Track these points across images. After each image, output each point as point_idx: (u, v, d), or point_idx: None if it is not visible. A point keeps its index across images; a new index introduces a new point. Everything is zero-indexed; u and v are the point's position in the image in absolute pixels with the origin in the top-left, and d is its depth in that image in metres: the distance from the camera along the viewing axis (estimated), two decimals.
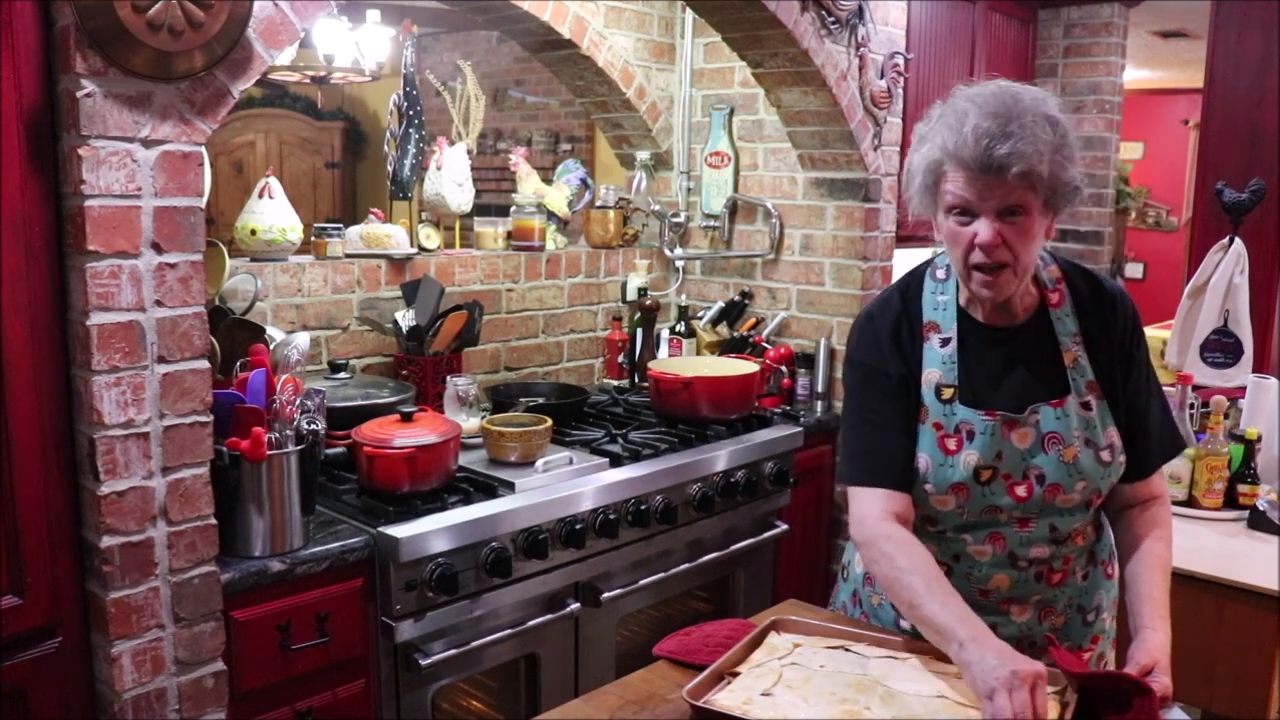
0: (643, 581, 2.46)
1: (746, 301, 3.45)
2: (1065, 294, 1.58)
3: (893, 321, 1.60)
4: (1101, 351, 1.56)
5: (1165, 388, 2.59)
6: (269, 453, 1.87)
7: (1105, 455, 1.54)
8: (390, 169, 2.92)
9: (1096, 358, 1.56)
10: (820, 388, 3.20)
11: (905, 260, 3.08)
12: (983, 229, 1.43)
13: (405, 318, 2.68)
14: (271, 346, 2.04)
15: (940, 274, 1.60)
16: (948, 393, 1.55)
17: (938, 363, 1.56)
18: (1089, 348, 1.56)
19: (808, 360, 3.23)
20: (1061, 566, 1.58)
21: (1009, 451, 1.52)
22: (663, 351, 3.35)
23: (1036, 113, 1.41)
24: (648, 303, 3.26)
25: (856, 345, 1.64)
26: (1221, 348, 3.04)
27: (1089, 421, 1.53)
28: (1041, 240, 1.48)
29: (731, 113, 3.45)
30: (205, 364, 1.75)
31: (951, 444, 1.53)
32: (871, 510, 1.52)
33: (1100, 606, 1.65)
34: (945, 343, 1.57)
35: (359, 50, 4.76)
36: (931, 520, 1.58)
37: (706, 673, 1.41)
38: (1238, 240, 3.02)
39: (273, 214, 2.53)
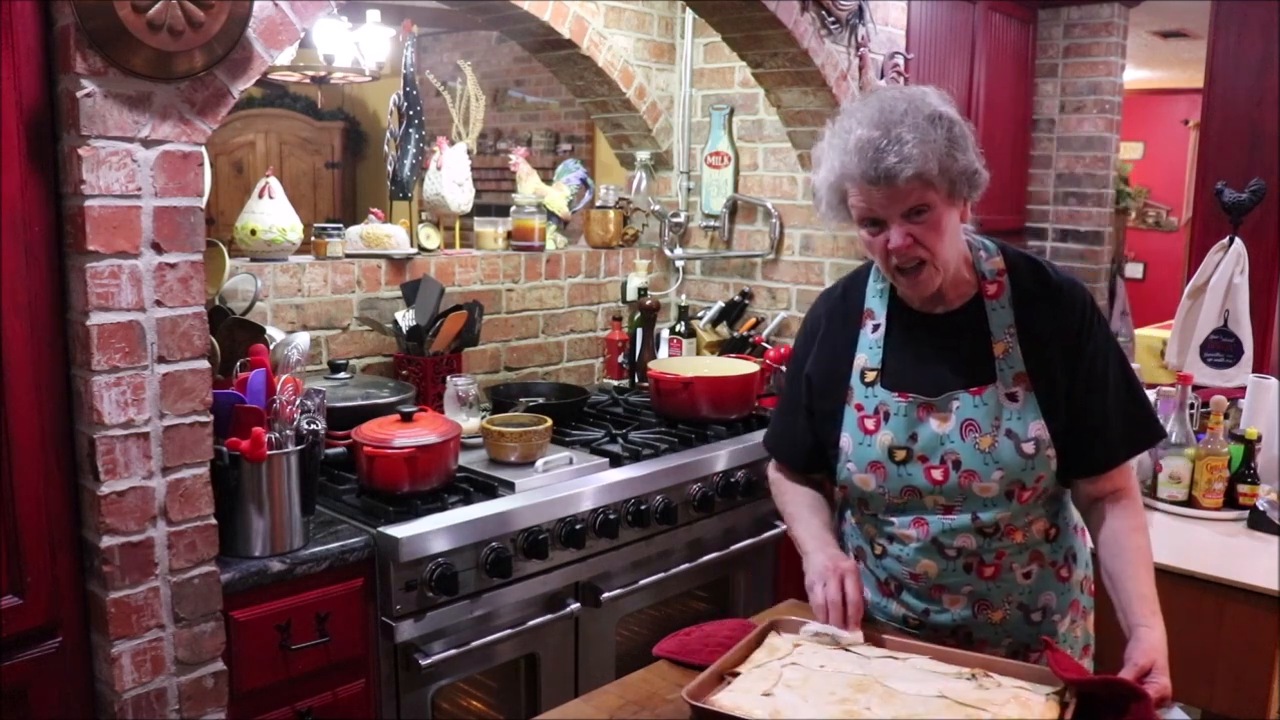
0: (643, 581, 2.46)
1: (746, 301, 3.45)
2: (1005, 285, 1.59)
3: (830, 312, 1.71)
4: (1043, 345, 1.56)
5: (1165, 387, 2.62)
6: (269, 453, 1.87)
7: (1028, 447, 1.54)
8: (390, 169, 2.92)
9: (1035, 350, 1.56)
10: None
11: None
12: (893, 234, 1.48)
13: (405, 318, 2.68)
14: (271, 346, 2.04)
15: None
16: (870, 376, 1.62)
17: (866, 348, 1.64)
18: (1027, 340, 1.56)
19: None
20: (994, 561, 1.59)
21: (925, 434, 1.57)
22: (663, 351, 3.35)
23: (918, 115, 1.44)
24: (648, 303, 3.26)
25: (799, 331, 1.79)
26: (1221, 348, 3.04)
27: (1013, 412, 1.54)
28: (957, 230, 1.53)
29: (731, 113, 3.45)
30: (205, 364, 1.75)
31: (870, 424, 1.60)
32: (777, 468, 1.83)
33: (1049, 608, 1.64)
34: (876, 329, 1.64)
35: (359, 50, 4.76)
36: (864, 502, 1.65)
37: (707, 673, 1.41)
38: (1238, 240, 3.02)
39: (273, 214, 2.53)
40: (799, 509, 1.73)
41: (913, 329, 1.61)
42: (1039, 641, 1.61)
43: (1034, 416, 1.54)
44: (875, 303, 1.65)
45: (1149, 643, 1.43)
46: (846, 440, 1.63)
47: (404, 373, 2.71)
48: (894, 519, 1.62)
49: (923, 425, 1.57)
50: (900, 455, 1.57)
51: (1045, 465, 1.55)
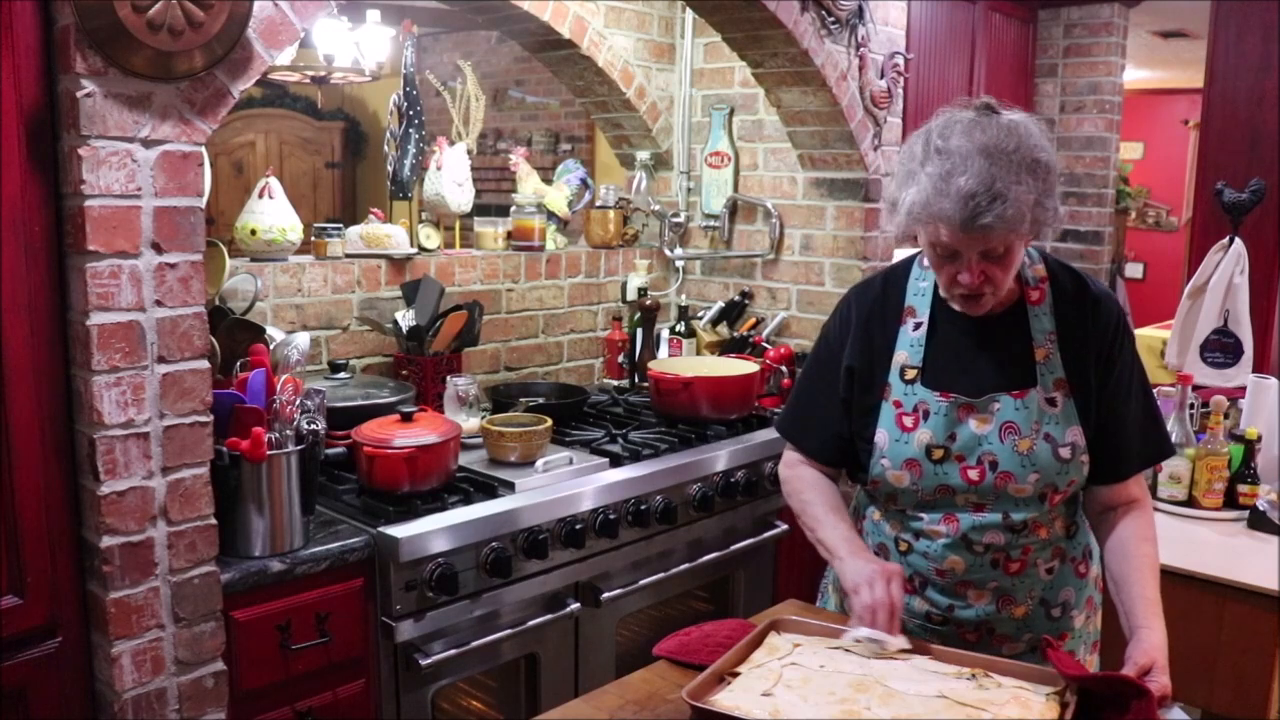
0: (643, 581, 2.46)
1: (746, 301, 3.45)
2: (1047, 293, 1.60)
3: (869, 306, 1.69)
4: (1079, 351, 1.58)
5: (1165, 387, 2.62)
6: (269, 453, 1.87)
7: (1064, 452, 1.56)
8: (390, 169, 2.92)
9: (1072, 357, 1.58)
10: None
11: None
12: (966, 271, 1.48)
13: (405, 318, 2.68)
14: (271, 346, 2.04)
15: (926, 263, 1.63)
16: (911, 374, 1.62)
17: (907, 345, 1.64)
18: (1065, 346, 1.58)
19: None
20: (1020, 556, 1.61)
21: (964, 434, 1.57)
22: (663, 351, 3.35)
23: (1024, 161, 1.42)
24: (648, 303, 3.26)
25: (831, 318, 1.76)
26: (1221, 348, 3.04)
27: (1052, 417, 1.56)
28: (1021, 257, 1.54)
29: (731, 113, 3.45)
30: (205, 364, 1.75)
31: (908, 421, 1.61)
32: (793, 457, 1.77)
33: (1068, 603, 1.66)
34: (918, 327, 1.64)
35: (359, 50, 4.76)
36: (893, 498, 1.65)
37: (706, 673, 1.41)
38: (1238, 240, 3.02)
39: (273, 214, 2.53)
40: (822, 511, 1.68)
41: (955, 329, 1.62)
42: (1055, 637, 1.63)
43: (1072, 422, 1.56)
44: (918, 300, 1.65)
45: (1150, 643, 1.45)
46: (882, 436, 1.62)
47: (404, 373, 2.71)
48: (923, 515, 1.63)
49: (962, 425, 1.57)
50: (938, 454, 1.58)
51: (1079, 470, 1.57)
